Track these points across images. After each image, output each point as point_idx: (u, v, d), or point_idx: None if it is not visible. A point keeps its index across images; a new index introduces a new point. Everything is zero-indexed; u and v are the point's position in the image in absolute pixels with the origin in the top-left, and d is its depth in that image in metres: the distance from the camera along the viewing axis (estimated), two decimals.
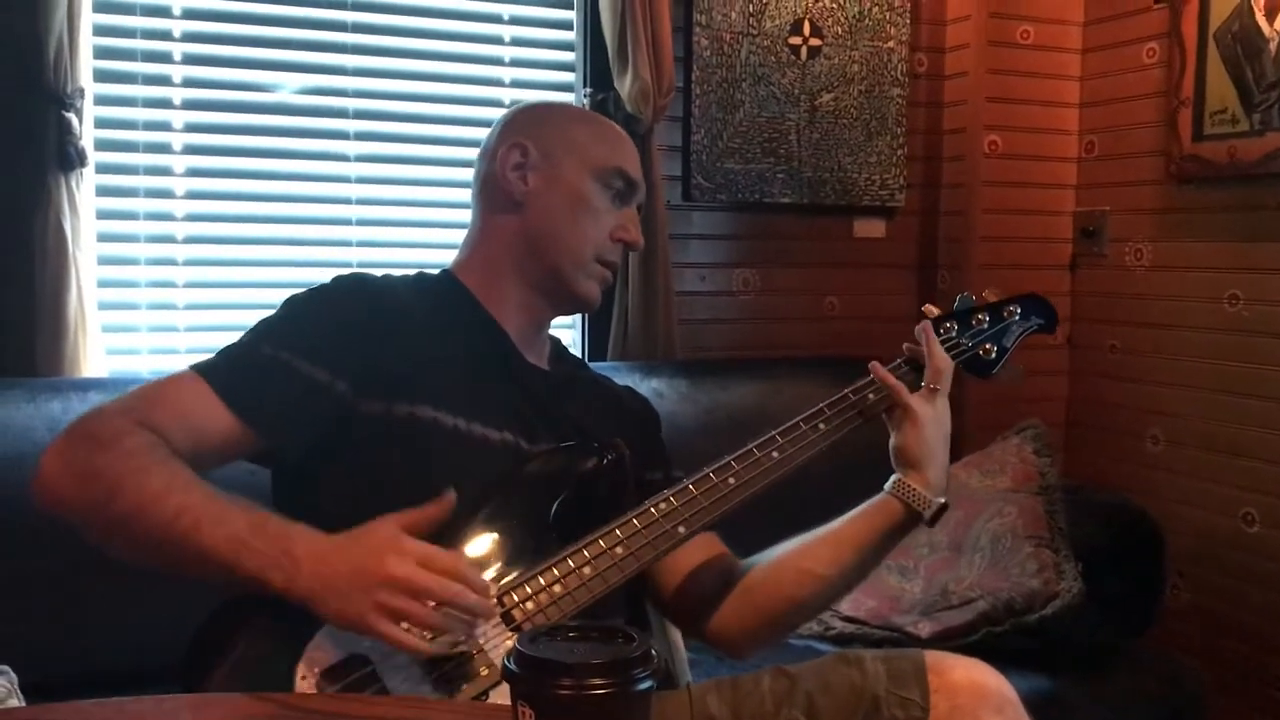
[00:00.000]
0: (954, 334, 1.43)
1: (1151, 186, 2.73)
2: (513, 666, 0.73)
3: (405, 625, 1.06)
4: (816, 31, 2.73)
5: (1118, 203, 2.84)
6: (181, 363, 2.22)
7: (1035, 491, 2.21)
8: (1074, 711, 2.00)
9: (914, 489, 1.31)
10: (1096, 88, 2.90)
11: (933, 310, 1.45)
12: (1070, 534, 2.15)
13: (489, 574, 1.17)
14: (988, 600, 2.05)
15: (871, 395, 1.34)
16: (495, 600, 1.15)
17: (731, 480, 1.26)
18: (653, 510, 1.23)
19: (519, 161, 1.39)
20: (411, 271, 1.45)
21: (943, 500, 1.32)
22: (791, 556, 1.36)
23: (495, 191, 1.41)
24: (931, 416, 1.32)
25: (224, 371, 1.25)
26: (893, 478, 1.33)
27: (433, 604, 1.06)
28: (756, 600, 1.36)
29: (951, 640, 2.01)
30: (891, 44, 2.81)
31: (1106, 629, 2.16)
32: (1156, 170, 2.69)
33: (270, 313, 1.32)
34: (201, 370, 1.25)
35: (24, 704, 1.43)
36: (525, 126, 1.43)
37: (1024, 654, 1.96)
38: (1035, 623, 2.03)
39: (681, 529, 1.23)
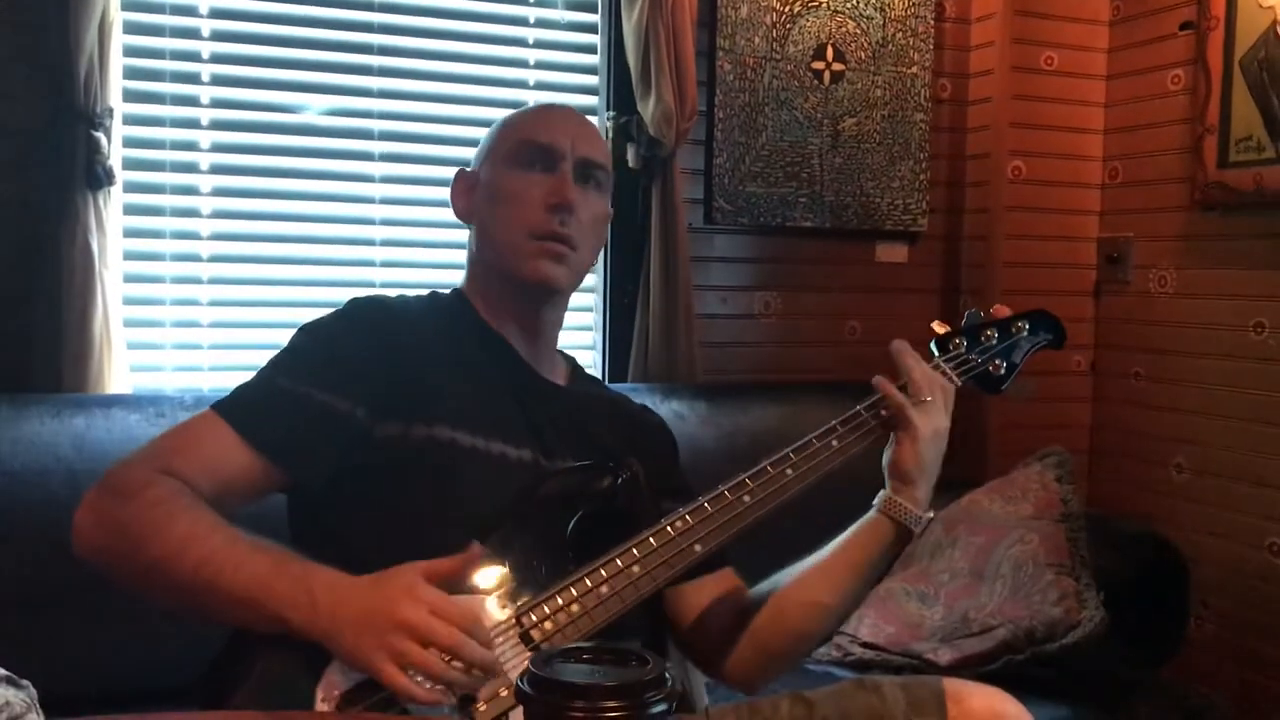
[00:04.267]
0: (963, 350, 1.44)
1: (1176, 213, 2.71)
2: (526, 688, 0.73)
3: (412, 672, 1.06)
4: (840, 56, 2.74)
5: (1142, 229, 2.82)
6: (205, 380, 2.29)
7: (1057, 519, 2.19)
8: None
9: (904, 506, 1.30)
10: (1121, 114, 2.89)
11: (942, 327, 1.46)
12: (1092, 562, 2.13)
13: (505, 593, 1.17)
14: (1008, 628, 2.03)
15: (884, 411, 1.33)
16: (514, 620, 1.15)
17: (747, 498, 1.26)
18: (669, 529, 1.23)
19: (466, 187, 1.45)
20: (425, 291, 1.47)
21: (931, 515, 1.32)
22: (792, 590, 1.35)
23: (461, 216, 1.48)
24: (929, 432, 1.31)
25: (243, 410, 1.25)
26: (881, 495, 1.33)
27: (440, 655, 1.06)
28: (764, 640, 1.36)
29: (971, 668, 2.00)
30: (915, 69, 2.81)
31: (1128, 659, 2.14)
32: (1181, 197, 2.68)
33: (286, 342, 1.33)
34: (221, 410, 1.25)
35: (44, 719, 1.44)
36: (475, 155, 1.48)
37: (1044, 683, 1.95)
38: (1056, 651, 2.01)
39: (698, 547, 1.23)
